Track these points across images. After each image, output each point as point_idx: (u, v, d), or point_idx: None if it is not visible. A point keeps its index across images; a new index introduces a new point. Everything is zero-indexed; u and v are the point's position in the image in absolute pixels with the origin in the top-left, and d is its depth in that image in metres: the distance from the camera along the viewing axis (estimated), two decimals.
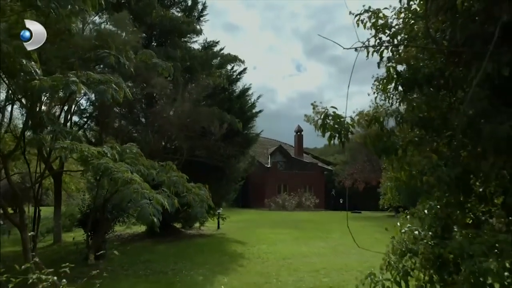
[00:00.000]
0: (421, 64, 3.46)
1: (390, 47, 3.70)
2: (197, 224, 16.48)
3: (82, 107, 13.64)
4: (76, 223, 14.29)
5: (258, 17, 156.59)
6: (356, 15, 3.77)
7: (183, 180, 7.11)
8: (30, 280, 3.16)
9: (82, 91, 6.19)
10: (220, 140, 13.80)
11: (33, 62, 6.00)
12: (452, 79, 3.42)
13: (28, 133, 8.94)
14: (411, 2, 3.77)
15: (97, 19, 12.07)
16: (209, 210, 8.33)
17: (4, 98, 9.86)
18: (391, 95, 3.94)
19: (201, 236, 15.42)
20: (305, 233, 15.85)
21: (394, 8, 3.89)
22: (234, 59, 15.41)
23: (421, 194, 3.90)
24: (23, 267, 3.32)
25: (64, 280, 3.36)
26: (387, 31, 3.75)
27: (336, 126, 3.47)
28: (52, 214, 14.39)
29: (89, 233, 10.75)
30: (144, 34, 12.50)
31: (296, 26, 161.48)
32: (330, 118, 3.50)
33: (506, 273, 2.76)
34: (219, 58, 15.62)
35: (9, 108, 10.20)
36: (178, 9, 16.11)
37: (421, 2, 3.61)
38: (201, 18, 16.44)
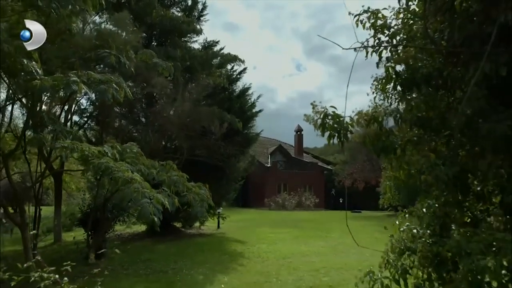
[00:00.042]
0: (419, 64, 3.49)
1: (389, 47, 3.72)
2: (197, 224, 16.50)
3: (82, 107, 13.71)
4: (77, 222, 14.33)
5: (258, 17, 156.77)
6: (355, 16, 3.79)
7: (184, 179, 7.14)
8: (32, 278, 3.19)
9: (83, 91, 6.23)
10: (220, 140, 13.83)
11: (34, 62, 6.03)
12: (450, 79, 3.45)
13: (28, 133, 8.97)
14: (410, 3, 3.79)
15: (97, 18, 12.10)
16: (209, 209, 8.35)
17: (4, 98, 9.93)
18: (390, 95, 3.96)
19: (201, 235, 15.45)
20: (305, 233, 15.88)
21: (393, 8, 3.91)
22: (234, 58, 15.45)
23: (420, 193, 3.92)
24: (25, 265, 3.35)
25: (66, 278, 3.39)
26: (386, 31, 3.77)
27: (335, 125, 3.50)
28: (52, 214, 14.43)
29: (90, 233, 10.77)
30: (144, 34, 12.52)
31: (296, 26, 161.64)
32: (329, 117, 3.52)
33: (503, 271, 2.80)
34: (219, 57, 15.65)
35: (9, 107, 10.28)
36: (178, 9, 16.15)
37: (420, 2, 3.64)
38: (201, 18, 16.48)
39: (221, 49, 16.14)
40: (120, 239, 14.21)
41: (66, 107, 11.04)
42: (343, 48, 3.40)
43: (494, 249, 2.81)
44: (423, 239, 3.35)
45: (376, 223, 18.65)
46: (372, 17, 3.78)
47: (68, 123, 11.88)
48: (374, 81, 4.10)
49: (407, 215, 3.76)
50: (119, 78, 6.81)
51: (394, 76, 3.67)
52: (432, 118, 3.54)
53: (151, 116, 13.33)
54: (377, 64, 3.76)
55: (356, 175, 30.99)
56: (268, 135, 36.25)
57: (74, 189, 18.01)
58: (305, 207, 31.58)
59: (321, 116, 3.53)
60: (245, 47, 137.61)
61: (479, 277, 2.82)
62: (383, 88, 3.95)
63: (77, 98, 11.10)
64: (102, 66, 9.68)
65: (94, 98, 11.91)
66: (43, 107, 9.62)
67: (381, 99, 4.11)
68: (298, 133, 38.69)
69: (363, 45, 3.59)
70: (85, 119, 14.27)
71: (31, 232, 8.26)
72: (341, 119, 3.51)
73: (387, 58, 3.72)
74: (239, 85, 16.56)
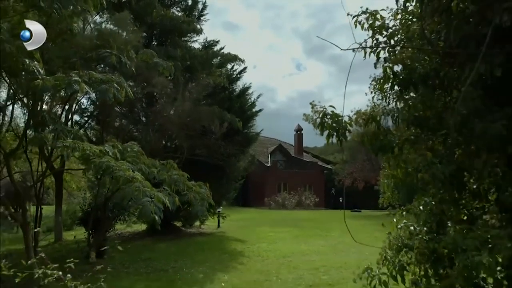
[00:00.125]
0: (416, 65, 3.54)
1: (386, 48, 3.78)
2: (197, 223, 16.56)
3: (83, 106, 13.76)
4: (77, 221, 14.39)
5: (258, 16, 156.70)
6: (353, 17, 3.84)
7: (184, 178, 7.19)
8: (36, 275, 3.23)
9: (84, 91, 6.28)
10: (220, 139, 13.89)
11: (35, 62, 6.07)
12: (447, 79, 3.51)
13: (29, 132, 9.02)
14: (408, 4, 3.84)
15: (97, 18, 12.16)
16: (209, 208, 8.41)
17: (5, 98, 9.99)
18: (388, 95, 4.02)
19: (201, 234, 15.51)
20: (304, 232, 15.93)
21: (391, 9, 3.96)
22: (234, 58, 15.50)
23: (418, 192, 3.98)
24: (29, 262, 3.40)
25: (69, 275, 3.44)
26: (384, 32, 3.82)
27: (334, 125, 3.56)
28: (53, 213, 14.49)
29: (90, 232, 10.82)
30: (144, 34, 12.57)
31: (296, 25, 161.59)
32: (328, 117, 3.58)
33: (498, 267, 2.85)
34: (219, 57, 15.70)
35: (10, 107, 10.33)
36: (178, 9, 16.20)
37: (417, 3, 3.69)
38: (201, 18, 16.54)
39: (221, 48, 16.21)
40: (120, 238, 14.26)
41: (67, 107, 11.09)
42: (341, 49, 3.46)
43: (489, 245, 2.86)
44: (420, 236, 3.41)
45: (375, 222, 18.69)
46: (370, 18, 3.83)
47: (69, 123, 11.93)
48: (372, 81, 4.17)
49: (404, 213, 3.82)
50: (120, 77, 6.87)
51: (391, 76, 3.72)
52: (429, 118, 3.60)
53: (152, 115, 13.39)
54: (375, 64, 3.82)
55: (356, 175, 31.05)
56: (268, 134, 36.38)
57: (75, 188, 18.06)
58: (305, 206, 31.63)
59: (320, 116, 3.59)
60: (245, 47, 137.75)
61: (474, 273, 2.88)
62: (381, 88, 4.01)
63: (78, 98, 11.15)
64: (103, 66, 9.72)
65: (94, 97, 12.00)
66: (44, 106, 9.67)
67: (379, 99, 4.17)
68: (298, 132, 38.73)
69: (361, 46, 3.64)
70: (86, 118, 14.33)
71: (35, 230, 8.31)
72: (340, 118, 3.56)
73: (384, 58, 3.78)
74: (239, 85, 16.65)
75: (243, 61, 15.63)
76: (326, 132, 3.59)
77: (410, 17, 3.89)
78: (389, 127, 3.94)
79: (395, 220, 3.84)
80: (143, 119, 14.34)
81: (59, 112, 11.02)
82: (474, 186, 3.38)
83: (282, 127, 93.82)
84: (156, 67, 9.23)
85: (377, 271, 3.49)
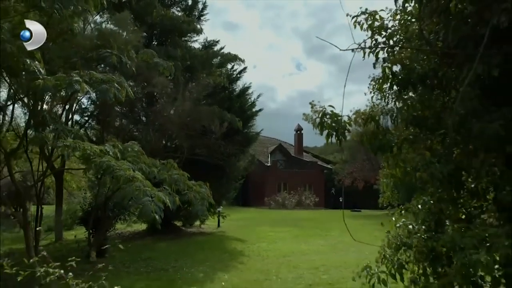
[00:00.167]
0: (415, 65, 3.57)
1: (385, 48, 3.80)
2: (197, 222, 16.59)
3: (83, 106, 13.77)
4: (78, 221, 14.42)
5: (258, 16, 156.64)
6: (353, 17, 3.87)
7: (184, 178, 7.22)
8: (38, 274, 3.26)
9: (85, 90, 6.31)
10: (221, 139, 13.92)
11: (36, 62, 6.10)
12: (445, 79, 3.54)
13: (30, 132, 9.05)
14: (407, 4, 3.86)
15: (98, 18, 12.19)
16: (209, 208, 8.44)
17: (6, 97, 10.01)
18: (387, 95, 4.05)
19: (201, 234, 15.54)
20: (304, 231, 15.96)
21: (390, 10, 3.99)
22: (234, 58, 15.54)
23: (417, 192, 4.00)
24: (31, 260, 3.43)
25: (70, 274, 3.46)
26: (383, 32, 3.85)
27: (333, 124, 3.58)
28: (53, 213, 14.50)
29: (91, 231, 10.85)
30: (145, 34, 12.60)
31: (296, 25, 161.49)
32: (327, 116, 3.61)
33: (496, 266, 2.88)
34: (219, 57, 15.74)
35: (10, 106, 10.35)
36: (178, 9, 16.24)
37: (416, 4, 3.72)
38: (201, 17, 16.58)
39: (221, 48, 16.25)
40: (121, 237, 14.28)
41: (67, 106, 11.11)
42: (340, 49, 3.49)
43: (487, 244, 2.89)
44: (419, 234, 3.44)
45: (375, 221, 18.68)
46: (369, 18, 3.85)
47: (69, 122, 11.95)
48: (371, 81, 4.20)
49: (403, 212, 3.85)
50: (120, 77, 6.90)
51: (390, 76, 3.75)
52: (428, 117, 3.63)
53: (152, 115, 13.42)
54: (374, 64, 3.85)
55: (355, 174, 31.08)
56: (268, 134, 36.44)
57: (75, 188, 18.08)
58: (305, 206, 31.66)
59: (320, 115, 3.62)
60: (245, 46, 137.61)
61: (472, 271, 2.91)
62: (380, 88, 4.04)
63: (78, 98, 11.17)
64: (103, 65, 9.75)
65: (95, 97, 12.02)
66: (45, 106, 9.69)
67: (378, 99, 4.20)
68: (298, 132, 38.76)
69: (360, 46, 3.67)
70: (86, 118, 14.35)
71: (37, 228, 8.33)
72: (339, 118, 3.59)
73: (383, 59, 3.81)
74: (239, 85, 16.70)
75: (243, 61, 15.69)
76: (325, 132, 3.62)
77: (409, 18, 3.92)
78: (388, 126, 3.97)
79: (394, 219, 3.86)
80: (143, 118, 14.38)
81: (60, 111, 11.05)
82: (472, 185, 3.41)
83: (282, 127, 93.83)
84: (156, 67, 9.27)
85: (376, 270, 3.52)
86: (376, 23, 3.84)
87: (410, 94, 3.89)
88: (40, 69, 6.06)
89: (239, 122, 13.44)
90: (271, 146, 38.05)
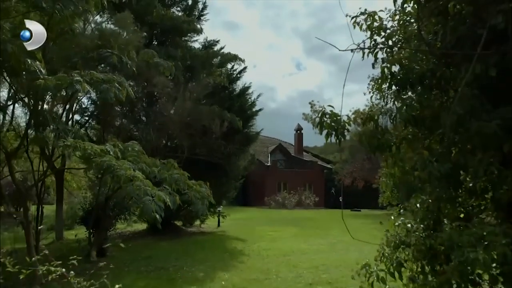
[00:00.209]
0: (413, 65, 3.60)
1: (384, 49, 3.83)
2: (197, 222, 16.62)
3: (83, 106, 13.79)
4: (78, 220, 14.45)
5: (258, 16, 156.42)
6: (352, 18, 3.90)
7: (185, 177, 7.24)
8: (40, 272, 3.29)
9: (86, 90, 6.34)
10: (221, 138, 13.95)
11: (37, 62, 6.13)
12: (443, 79, 3.56)
13: (30, 132, 9.07)
14: (406, 5, 3.89)
15: (98, 18, 12.21)
16: (209, 207, 8.47)
17: (6, 97, 10.03)
18: (386, 94, 4.08)
19: (201, 233, 15.57)
20: (304, 231, 15.99)
21: (389, 10, 4.03)
22: (234, 58, 15.56)
23: (417, 191, 4.03)
24: (33, 258, 3.46)
25: (72, 272, 3.49)
26: (382, 32, 3.88)
27: (332, 124, 3.62)
28: (53, 212, 14.53)
29: (91, 231, 10.88)
30: (145, 34, 12.62)
31: (296, 25, 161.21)
32: (327, 116, 3.64)
33: (493, 264, 2.91)
34: (219, 57, 15.77)
35: (10, 106, 10.37)
36: (178, 9, 16.27)
37: (415, 5, 3.74)
38: (202, 17, 16.60)
39: (221, 48, 16.27)
40: (121, 237, 14.29)
41: (67, 106, 11.14)
42: (339, 50, 3.51)
43: (485, 242, 2.92)
44: (417, 233, 3.47)
45: (375, 221, 18.60)
46: (368, 19, 3.88)
47: (70, 122, 11.97)
48: (370, 81, 4.23)
49: (401, 211, 3.89)
50: (121, 77, 6.93)
51: (389, 76, 3.77)
52: (426, 117, 3.66)
53: (152, 115, 13.45)
54: (373, 65, 3.88)
55: (355, 174, 31.07)
56: (268, 134, 36.47)
57: (76, 188, 18.11)
58: (305, 205, 31.70)
59: (319, 115, 3.65)
60: (245, 46, 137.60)
61: (470, 269, 2.93)
62: (379, 88, 4.07)
63: (79, 97, 11.20)
64: (104, 65, 9.78)
65: (95, 97, 12.05)
66: (45, 106, 9.72)
67: (377, 99, 4.23)
68: (298, 132, 38.79)
69: (359, 47, 3.70)
70: (86, 118, 14.37)
71: (39, 227, 8.35)
72: (338, 117, 3.62)
73: (382, 59, 3.83)
74: (239, 84, 16.70)
75: (243, 61, 15.71)
76: (325, 131, 3.65)
77: (408, 18, 3.95)
78: (387, 126, 4.00)
79: (392, 218, 3.89)
80: (144, 118, 14.39)
81: (60, 111, 11.08)
82: (470, 184, 3.44)
83: (282, 127, 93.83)
84: (157, 67, 9.30)
85: (375, 268, 3.55)
86: (375, 24, 3.87)
87: (409, 94, 3.92)
88: (41, 69, 6.09)
89: (239, 121, 13.48)
90: (271, 145, 38.07)
